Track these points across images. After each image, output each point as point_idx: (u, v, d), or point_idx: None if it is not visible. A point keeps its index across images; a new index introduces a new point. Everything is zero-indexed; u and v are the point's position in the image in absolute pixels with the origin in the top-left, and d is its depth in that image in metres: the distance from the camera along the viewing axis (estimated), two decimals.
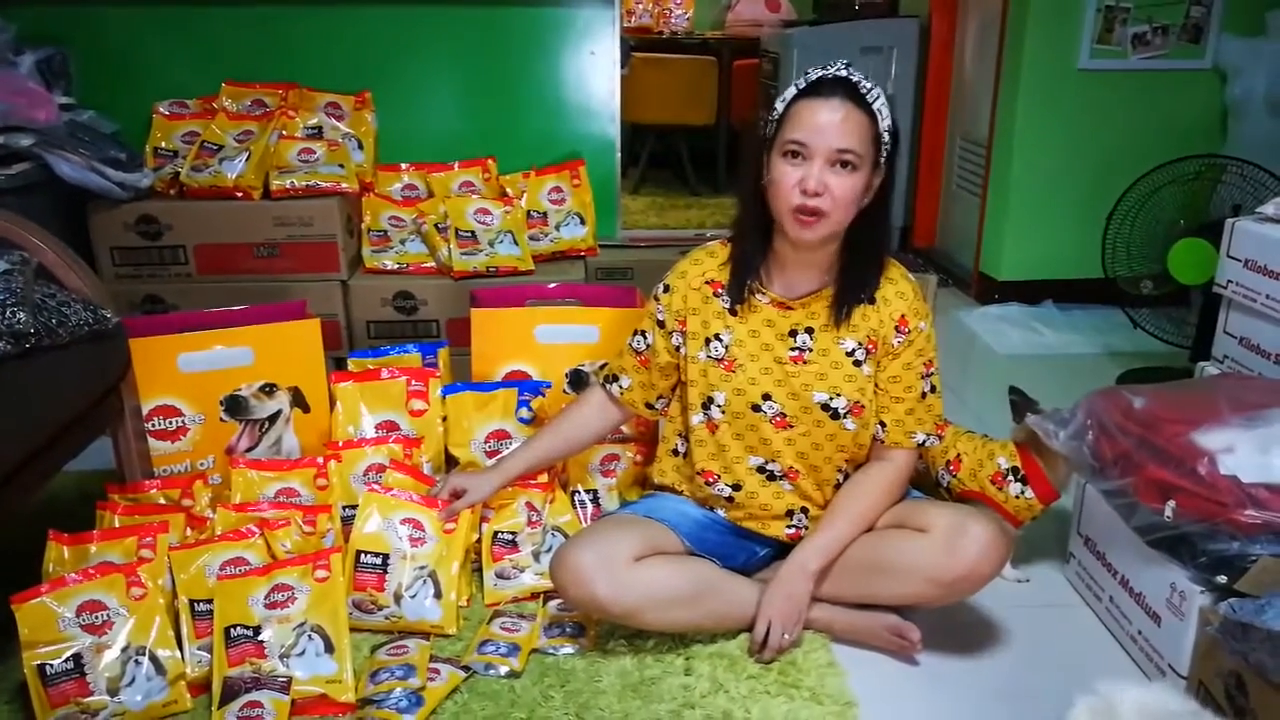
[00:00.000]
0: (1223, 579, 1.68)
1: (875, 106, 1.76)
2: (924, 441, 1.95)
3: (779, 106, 1.82)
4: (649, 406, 2.09)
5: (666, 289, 1.99)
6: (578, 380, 2.51)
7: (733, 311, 1.93)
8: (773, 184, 1.80)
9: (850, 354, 1.90)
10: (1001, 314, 4.04)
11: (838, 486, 2.00)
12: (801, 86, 1.79)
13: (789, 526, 2.01)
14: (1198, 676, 1.75)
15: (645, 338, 2.03)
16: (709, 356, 1.95)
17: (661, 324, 2.00)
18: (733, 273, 1.93)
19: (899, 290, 1.91)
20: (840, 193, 1.75)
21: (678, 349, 1.99)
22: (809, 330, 1.90)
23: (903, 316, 1.89)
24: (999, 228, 4.16)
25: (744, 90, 5.74)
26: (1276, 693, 1.51)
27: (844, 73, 1.78)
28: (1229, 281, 2.31)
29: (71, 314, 1.95)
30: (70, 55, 3.20)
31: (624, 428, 2.27)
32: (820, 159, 1.75)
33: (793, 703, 1.78)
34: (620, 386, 2.09)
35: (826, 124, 1.74)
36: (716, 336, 1.94)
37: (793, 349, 1.91)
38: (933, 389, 1.95)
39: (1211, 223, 2.90)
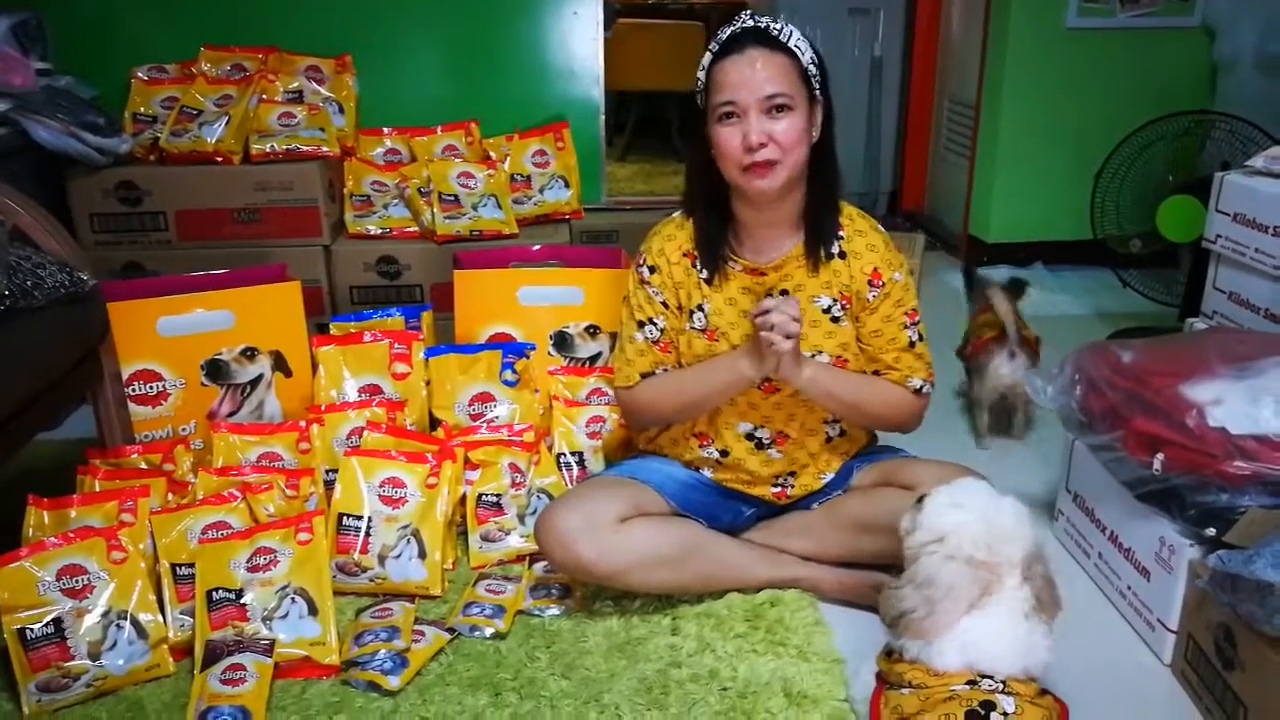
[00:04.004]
0: (1212, 531, 1.67)
1: (791, 44, 1.75)
2: (920, 388, 1.92)
3: (700, 76, 1.80)
4: None
5: (653, 270, 1.93)
6: (562, 342, 2.49)
7: (709, 282, 1.90)
8: (718, 151, 1.78)
9: (827, 310, 1.87)
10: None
11: (827, 440, 1.98)
12: (714, 49, 1.77)
13: (775, 487, 2.00)
14: (1187, 630, 1.74)
15: (655, 325, 1.94)
16: (693, 328, 1.92)
17: (665, 304, 1.93)
18: (700, 249, 1.90)
19: (869, 242, 1.88)
20: (785, 136, 1.73)
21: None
22: (784, 293, 1.87)
23: (875, 269, 1.86)
24: (988, 190, 4.13)
25: None
26: (1265, 643, 1.51)
27: (750, 23, 1.76)
28: (1218, 236, 2.29)
29: (47, 276, 1.93)
30: (46, 20, 3.15)
31: (609, 391, 2.24)
32: (754, 111, 1.73)
33: (780, 660, 1.77)
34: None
35: (748, 76, 1.72)
36: (699, 307, 1.91)
37: None
38: (920, 337, 1.92)
39: (1200, 179, 2.89)
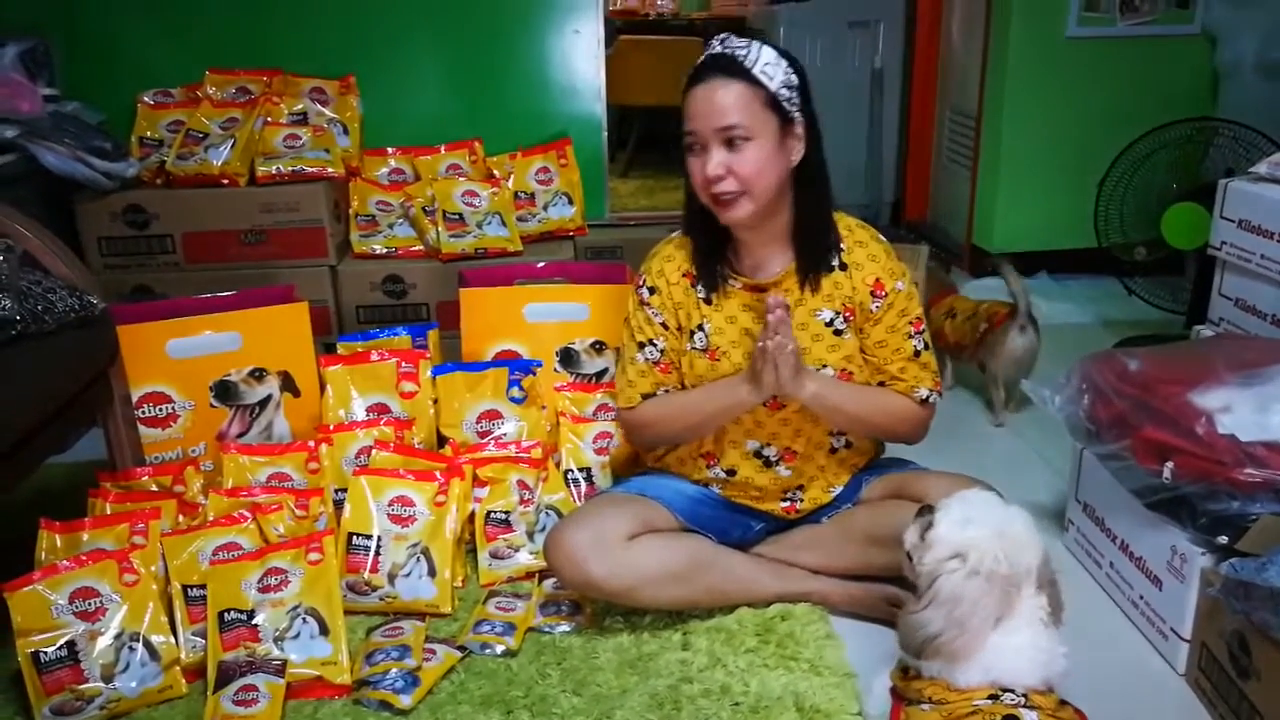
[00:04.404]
0: (1223, 539, 1.67)
1: (756, 70, 1.71)
2: (927, 397, 1.90)
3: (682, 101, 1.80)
4: None
5: (652, 291, 1.94)
6: (568, 358, 2.49)
7: (708, 301, 1.90)
8: (692, 180, 1.80)
9: (829, 324, 1.87)
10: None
11: (833, 451, 1.98)
12: (688, 76, 1.77)
13: (784, 502, 2.00)
14: (1201, 638, 1.74)
15: (655, 346, 1.95)
16: (694, 348, 1.92)
17: (665, 325, 1.94)
18: (699, 269, 1.91)
19: (870, 253, 1.87)
20: (743, 169, 1.72)
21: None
22: (785, 308, 1.87)
23: (877, 280, 1.85)
24: (990, 199, 4.14)
25: None
26: None
27: (718, 49, 1.74)
28: (1223, 243, 2.29)
29: (58, 301, 1.93)
30: (53, 46, 3.17)
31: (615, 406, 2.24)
32: (713, 143, 1.73)
33: (791, 675, 1.77)
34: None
35: (704, 107, 1.72)
36: (699, 327, 1.91)
37: None
38: (926, 346, 1.91)
39: (1204, 186, 2.90)
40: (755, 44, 1.74)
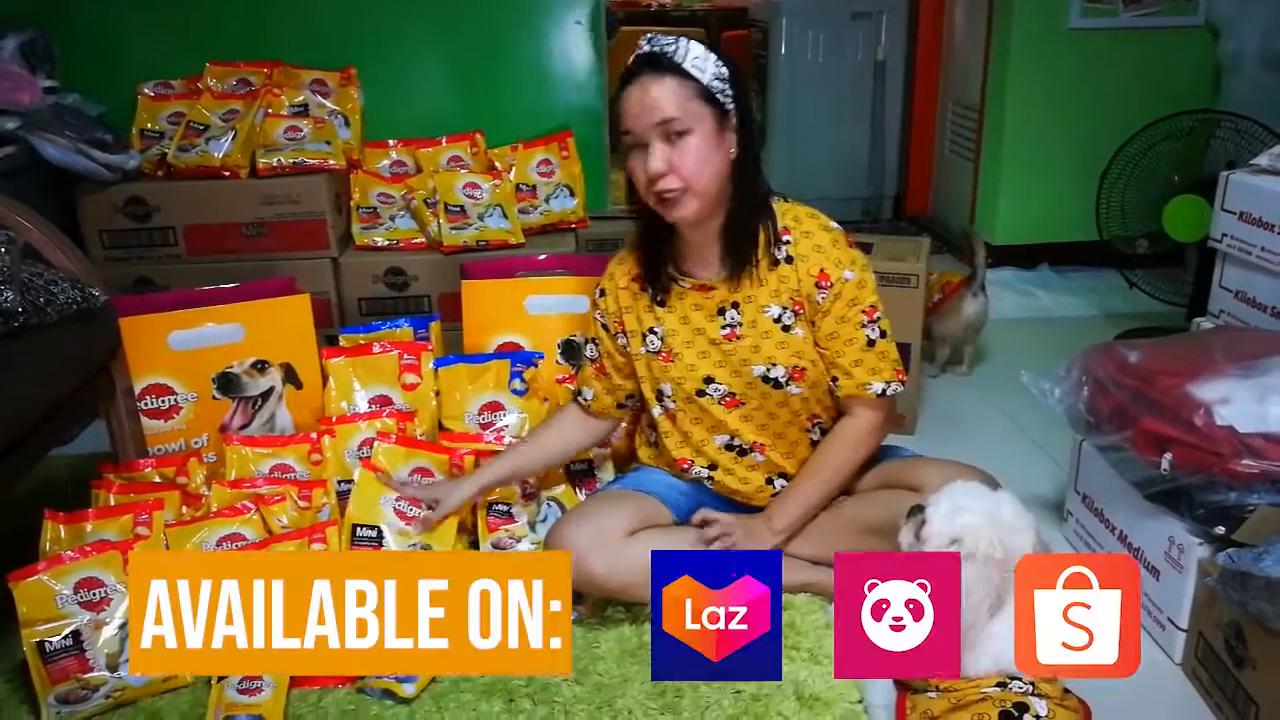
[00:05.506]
0: (1221, 530, 1.68)
1: (686, 65, 1.72)
2: (884, 391, 1.88)
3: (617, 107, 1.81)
4: (620, 407, 2.08)
5: (601, 293, 1.99)
6: (570, 350, 2.50)
7: (660, 303, 1.92)
8: (634, 182, 1.80)
9: (777, 319, 1.86)
10: (997, 278, 4.00)
11: (814, 444, 1.98)
12: (620, 80, 1.78)
13: (773, 496, 2.00)
14: (1198, 628, 1.75)
15: (596, 345, 2.03)
16: (647, 350, 1.94)
17: (605, 328, 1.99)
18: (646, 272, 1.92)
19: (816, 243, 1.85)
20: (684, 163, 1.72)
21: (625, 348, 1.99)
22: (735, 305, 1.87)
23: (822, 271, 1.83)
24: (993, 192, 4.14)
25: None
26: (1276, 641, 1.51)
27: (646, 47, 1.75)
28: (1224, 235, 2.29)
29: (60, 293, 1.94)
30: (53, 38, 3.17)
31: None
32: (653, 139, 1.73)
33: (791, 664, 1.78)
34: (585, 398, 2.08)
35: (639, 104, 1.72)
36: (651, 330, 1.93)
37: (724, 327, 1.88)
38: (882, 334, 1.88)
39: (1205, 179, 2.89)
40: (683, 40, 1.74)
